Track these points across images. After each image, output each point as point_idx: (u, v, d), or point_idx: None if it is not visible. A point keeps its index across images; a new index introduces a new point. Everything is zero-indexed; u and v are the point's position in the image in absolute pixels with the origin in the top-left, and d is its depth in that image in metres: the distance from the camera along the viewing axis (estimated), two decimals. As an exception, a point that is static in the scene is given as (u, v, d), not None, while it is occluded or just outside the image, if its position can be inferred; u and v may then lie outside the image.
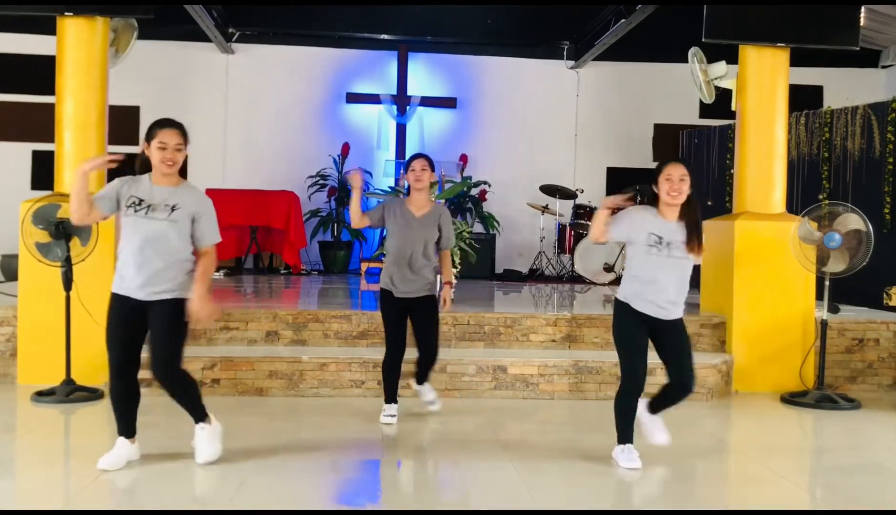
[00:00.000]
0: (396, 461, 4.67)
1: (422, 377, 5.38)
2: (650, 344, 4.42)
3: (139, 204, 4.05)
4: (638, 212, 4.42)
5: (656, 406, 4.53)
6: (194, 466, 4.24)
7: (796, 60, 7.08)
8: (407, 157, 5.28)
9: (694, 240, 4.27)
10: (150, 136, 4.08)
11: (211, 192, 10.13)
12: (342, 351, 6.25)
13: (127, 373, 4.16)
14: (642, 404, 4.52)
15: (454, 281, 5.11)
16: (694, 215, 4.32)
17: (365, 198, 11.08)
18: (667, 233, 4.29)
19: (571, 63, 12.00)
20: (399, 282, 5.12)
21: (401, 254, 5.10)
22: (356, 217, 5.16)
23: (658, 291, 4.28)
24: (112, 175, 6.63)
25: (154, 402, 4.66)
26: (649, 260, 4.28)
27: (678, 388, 4.40)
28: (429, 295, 5.18)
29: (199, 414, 4.27)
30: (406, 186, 5.32)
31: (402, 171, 5.35)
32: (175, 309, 4.10)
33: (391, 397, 5.33)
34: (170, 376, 4.17)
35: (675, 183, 4.26)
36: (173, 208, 4.06)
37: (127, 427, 4.24)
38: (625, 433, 4.44)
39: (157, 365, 4.13)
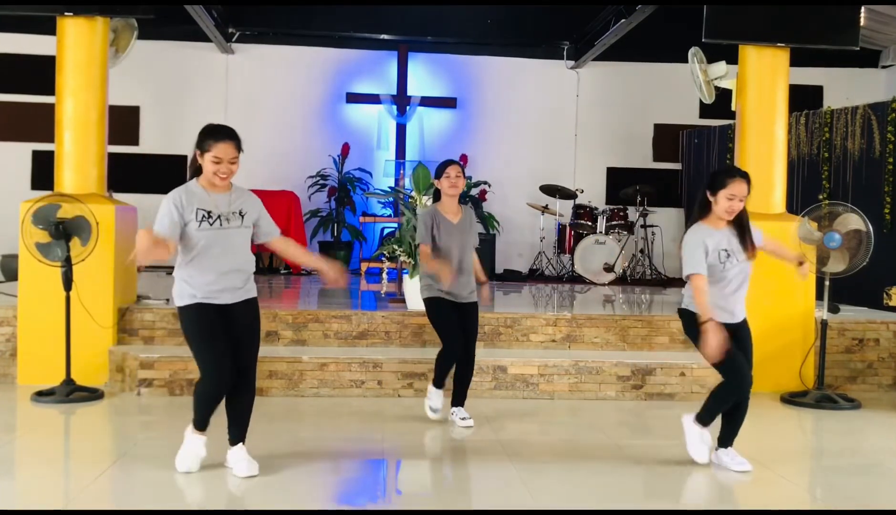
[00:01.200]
0: (396, 461, 4.67)
1: (461, 396, 5.30)
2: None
3: (209, 216, 3.96)
4: (696, 238, 4.28)
5: (726, 437, 4.49)
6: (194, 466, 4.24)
7: (796, 60, 7.07)
8: (439, 163, 5.23)
9: (748, 246, 4.30)
10: (203, 147, 3.96)
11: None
12: (342, 351, 6.25)
13: (228, 380, 4.04)
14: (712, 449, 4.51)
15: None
16: (741, 220, 4.32)
17: (364, 198, 11.12)
18: (725, 242, 4.29)
19: (571, 63, 12.00)
20: (451, 288, 5.09)
21: (449, 261, 5.08)
22: (427, 253, 5.13)
23: (729, 298, 4.29)
24: (112, 177, 6.70)
25: (154, 402, 4.67)
26: (724, 274, 4.27)
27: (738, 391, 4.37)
28: (475, 301, 5.22)
29: (244, 433, 4.21)
30: (434, 190, 5.32)
31: (433, 178, 5.31)
32: (257, 310, 4.15)
33: (442, 383, 5.26)
34: (252, 379, 4.16)
35: (736, 203, 4.22)
36: (242, 214, 4.04)
37: (230, 433, 4.18)
38: (707, 416, 4.42)
39: (250, 365, 4.12)
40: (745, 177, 4.25)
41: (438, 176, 5.19)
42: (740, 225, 4.32)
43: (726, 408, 4.40)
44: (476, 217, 5.27)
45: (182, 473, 4.05)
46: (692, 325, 4.28)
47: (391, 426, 5.23)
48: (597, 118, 12.03)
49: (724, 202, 4.21)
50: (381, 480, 4.44)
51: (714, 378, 6.17)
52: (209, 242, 3.95)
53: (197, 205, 3.95)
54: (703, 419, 4.45)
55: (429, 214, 5.22)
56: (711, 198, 4.27)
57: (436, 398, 5.28)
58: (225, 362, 3.98)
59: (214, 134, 3.98)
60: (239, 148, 4.04)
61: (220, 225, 3.97)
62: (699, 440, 4.46)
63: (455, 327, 5.12)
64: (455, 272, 5.07)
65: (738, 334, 4.33)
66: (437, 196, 5.30)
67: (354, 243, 11.34)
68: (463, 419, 5.24)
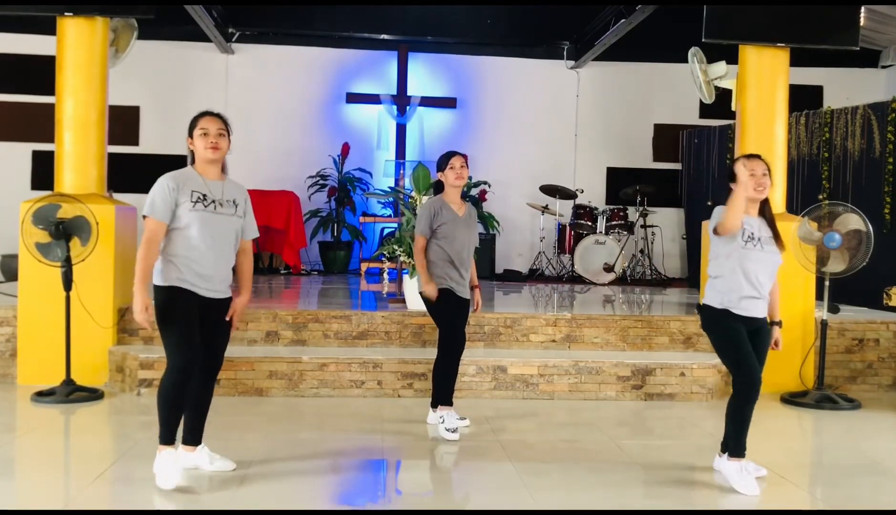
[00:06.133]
0: (396, 461, 4.68)
1: (449, 393, 5.13)
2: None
3: (204, 199, 3.91)
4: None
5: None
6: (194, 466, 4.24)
7: (796, 60, 7.08)
8: (440, 155, 5.12)
9: (778, 236, 4.28)
10: (191, 128, 4.01)
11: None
12: (342, 351, 6.25)
13: (196, 371, 3.99)
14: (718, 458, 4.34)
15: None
16: (771, 213, 4.32)
17: (365, 198, 11.12)
18: (756, 228, 4.23)
19: (571, 63, 12.01)
20: (457, 282, 5.02)
21: (456, 253, 5.00)
22: (422, 246, 5.02)
23: (753, 288, 4.19)
24: (112, 177, 6.70)
25: (154, 403, 4.63)
26: (748, 256, 4.17)
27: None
28: (468, 298, 5.15)
29: (202, 433, 4.26)
30: (435, 183, 5.23)
31: (437, 171, 5.17)
32: (228, 309, 4.12)
33: (451, 396, 5.13)
34: (215, 377, 4.21)
35: (759, 178, 4.18)
36: (235, 204, 4.03)
37: (196, 434, 4.19)
38: (741, 443, 4.18)
39: (218, 364, 4.14)
40: (756, 156, 4.28)
41: (442, 167, 5.06)
42: (771, 222, 4.29)
43: (748, 418, 4.16)
44: (478, 217, 5.25)
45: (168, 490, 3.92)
46: (710, 321, 4.26)
47: (391, 426, 5.23)
48: (597, 118, 12.04)
49: (749, 180, 4.16)
50: (381, 480, 4.44)
51: (712, 377, 6.19)
52: (201, 225, 3.87)
53: (192, 187, 3.92)
54: (734, 449, 4.19)
55: (432, 205, 5.04)
56: (734, 186, 4.16)
57: (452, 418, 5.03)
58: (194, 354, 3.88)
59: (199, 114, 4.09)
60: (226, 126, 4.07)
61: (214, 209, 3.93)
62: (739, 472, 4.16)
63: (462, 326, 5.08)
64: (461, 267, 5.02)
65: (756, 334, 4.26)
66: (437, 190, 5.21)
67: (354, 243, 11.34)
68: (460, 419, 5.23)
